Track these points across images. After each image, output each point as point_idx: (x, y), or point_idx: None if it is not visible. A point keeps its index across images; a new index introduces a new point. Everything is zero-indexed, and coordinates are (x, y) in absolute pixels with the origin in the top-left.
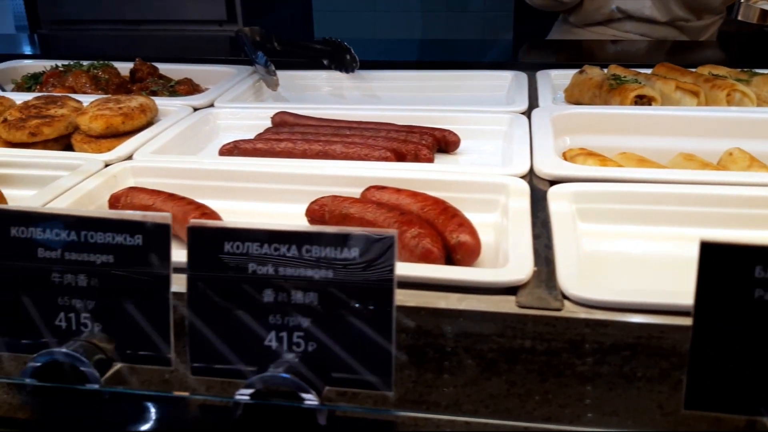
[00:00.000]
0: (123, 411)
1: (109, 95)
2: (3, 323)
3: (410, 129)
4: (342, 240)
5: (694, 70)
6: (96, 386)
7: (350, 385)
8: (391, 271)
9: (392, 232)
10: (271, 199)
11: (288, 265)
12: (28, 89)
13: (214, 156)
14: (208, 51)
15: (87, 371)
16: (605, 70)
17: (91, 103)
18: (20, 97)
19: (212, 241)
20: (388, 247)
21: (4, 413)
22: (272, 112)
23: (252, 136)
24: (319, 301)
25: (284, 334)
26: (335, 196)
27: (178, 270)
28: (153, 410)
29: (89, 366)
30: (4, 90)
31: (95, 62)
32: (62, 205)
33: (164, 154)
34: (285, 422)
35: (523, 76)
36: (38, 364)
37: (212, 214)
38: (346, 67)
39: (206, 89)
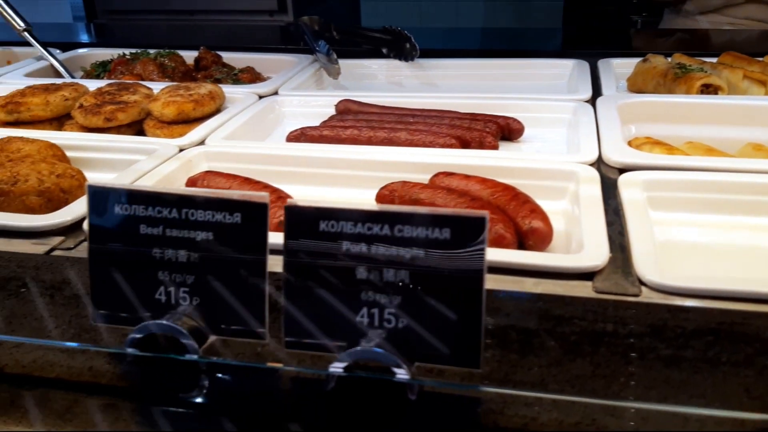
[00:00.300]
0: (218, 381)
1: (178, 83)
2: (106, 297)
3: (473, 116)
4: (434, 220)
5: (761, 59)
6: (195, 357)
7: (439, 362)
8: (483, 250)
9: (483, 213)
10: (339, 185)
11: (381, 243)
12: (97, 76)
13: (282, 142)
14: (259, 41)
15: (186, 343)
16: (669, 59)
17: (162, 90)
18: (91, 84)
19: (308, 221)
20: (479, 227)
21: (107, 381)
22: (335, 100)
23: (316, 124)
24: (410, 280)
25: (375, 311)
26: (405, 182)
27: (272, 251)
28: (247, 381)
29: (188, 338)
30: (73, 77)
31: (161, 50)
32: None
33: (234, 140)
34: (375, 396)
35: (584, 65)
36: (139, 335)
37: (287, 198)
38: (405, 55)
39: (268, 78)
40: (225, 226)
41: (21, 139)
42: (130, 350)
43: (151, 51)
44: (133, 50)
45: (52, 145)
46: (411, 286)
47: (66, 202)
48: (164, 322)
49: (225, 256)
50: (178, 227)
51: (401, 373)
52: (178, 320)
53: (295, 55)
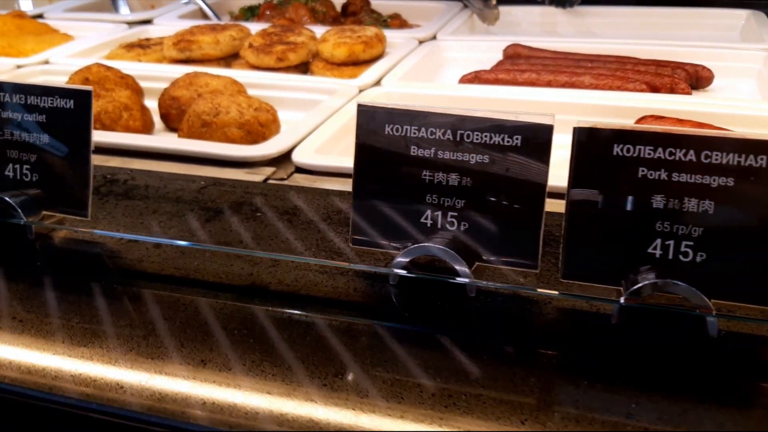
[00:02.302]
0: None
1: (342, 26)
2: (366, 221)
3: (658, 63)
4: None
5: None
6: (466, 280)
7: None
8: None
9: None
10: None
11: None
12: (245, 20)
13: (447, 84)
14: None
15: (459, 269)
16: None
17: (328, 31)
18: (251, 27)
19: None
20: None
21: (374, 302)
22: (498, 46)
23: (480, 68)
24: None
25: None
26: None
27: None
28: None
29: (461, 263)
30: (220, 20)
31: None
32: (336, 126)
33: (407, 82)
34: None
35: (761, 16)
36: (406, 259)
37: None
38: (564, 2)
39: (415, 25)
40: (502, 148)
41: (206, 74)
42: (398, 272)
43: None
44: None
45: (235, 82)
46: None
47: (263, 136)
48: (435, 245)
49: (501, 179)
50: (450, 150)
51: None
52: (449, 244)
53: (442, 2)
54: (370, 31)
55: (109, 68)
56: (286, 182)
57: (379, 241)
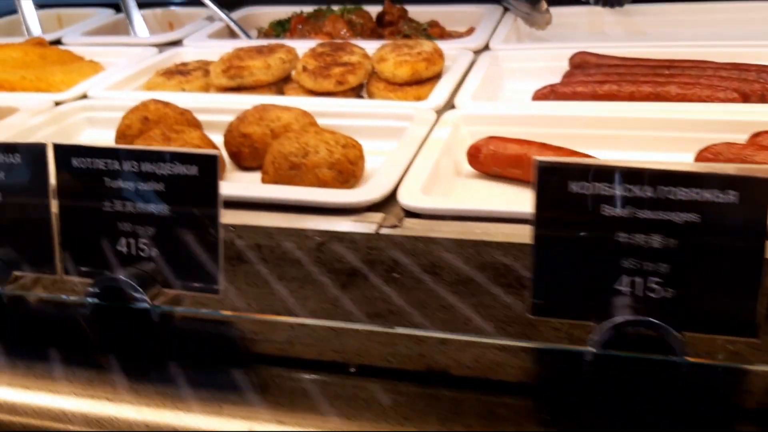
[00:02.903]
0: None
1: (394, 41)
2: (560, 286)
3: (737, 66)
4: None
5: None
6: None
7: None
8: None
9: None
10: (632, 147)
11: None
12: (276, 36)
13: (528, 101)
14: None
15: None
16: None
17: (382, 49)
18: (295, 45)
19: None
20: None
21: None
22: (558, 53)
23: (543, 79)
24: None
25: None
26: (730, 143)
27: None
28: None
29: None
30: (250, 37)
31: (346, 6)
32: (431, 159)
33: (481, 101)
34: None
35: None
36: (603, 335)
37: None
38: (614, 1)
39: (455, 32)
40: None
41: (275, 106)
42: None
43: (335, 7)
44: (308, 7)
45: (305, 113)
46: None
47: (353, 175)
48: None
49: (711, 236)
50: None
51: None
52: (652, 314)
53: (479, 6)
54: (428, 46)
55: (167, 104)
56: (402, 231)
57: (569, 312)
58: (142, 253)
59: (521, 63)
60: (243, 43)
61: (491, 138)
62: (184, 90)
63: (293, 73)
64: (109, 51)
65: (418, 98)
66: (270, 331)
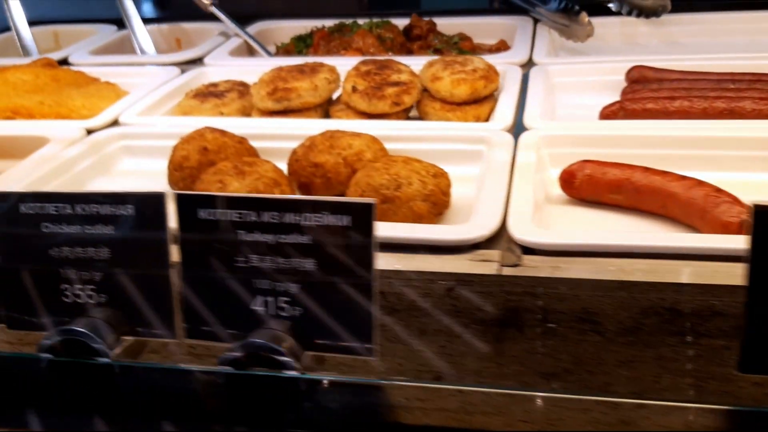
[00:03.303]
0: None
1: (438, 57)
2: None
3: None
4: None
5: None
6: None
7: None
8: None
9: None
10: (709, 168)
11: None
12: (299, 52)
13: (596, 120)
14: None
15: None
16: None
17: (431, 66)
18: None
19: None
20: None
21: None
22: (613, 67)
23: (600, 94)
24: None
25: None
26: None
27: None
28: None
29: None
30: (270, 53)
31: (373, 20)
32: (528, 188)
33: (550, 120)
34: None
35: None
36: None
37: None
38: (647, 11)
39: (486, 45)
40: None
41: (343, 132)
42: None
43: (360, 21)
44: (325, 21)
45: (375, 139)
46: None
47: (446, 205)
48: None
49: None
50: None
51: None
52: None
53: (507, 17)
54: (479, 62)
55: (223, 132)
56: (525, 270)
57: None
58: (282, 313)
59: (572, 77)
60: (272, 61)
61: (586, 162)
62: (222, 114)
63: (336, 93)
64: (124, 71)
65: (478, 118)
66: (436, 398)
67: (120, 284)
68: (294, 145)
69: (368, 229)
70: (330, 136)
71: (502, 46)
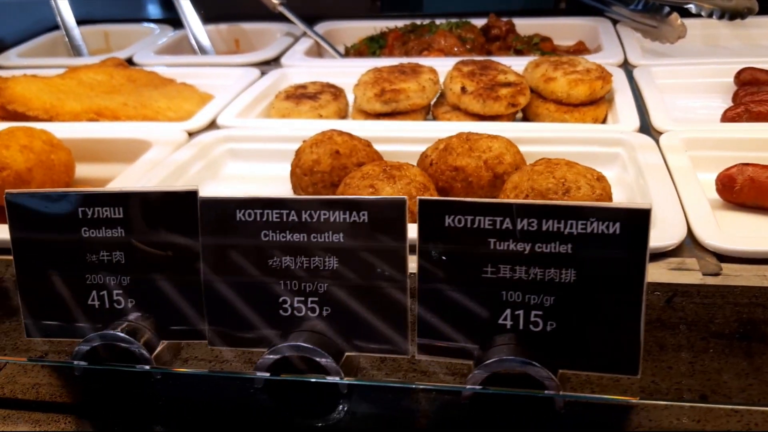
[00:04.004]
0: None
1: (546, 58)
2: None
3: None
4: None
5: None
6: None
7: None
8: None
9: None
10: None
11: None
12: (373, 53)
13: (717, 123)
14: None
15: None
16: None
17: (538, 66)
18: (376, 63)
19: None
20: None
21: None
22: (716, 69)
23: (707, 96)
24: None
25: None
26: None
27: None
28: None
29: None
30: (340, 54)
31: (452, 20)
32: (692, 191)
33: (678, 123)
34: None
35: None
36: None
37: None
38: (732, 13)
39: (564, 47)
40: None
41: (479, 135)
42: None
43: (438, 21)
44: (404, 22)
45: (510, 141)
46: None
47: None
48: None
49: None
50: None
51: None
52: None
53: (584, 18)
54: (588, 63)
55: (351, 135)
56: (729, 278)
57: None
58: (533, 327)
59: (677, 79)
60: (350, 62)
61: (743, 165)
62: (320, 116)
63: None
64: (195, 72)
65: (596, 120)
66: (708, 418)
67: (343, 296)
68: (404, 148)
69: (642, 238)
70: (466, 138)
71: (581, 48)
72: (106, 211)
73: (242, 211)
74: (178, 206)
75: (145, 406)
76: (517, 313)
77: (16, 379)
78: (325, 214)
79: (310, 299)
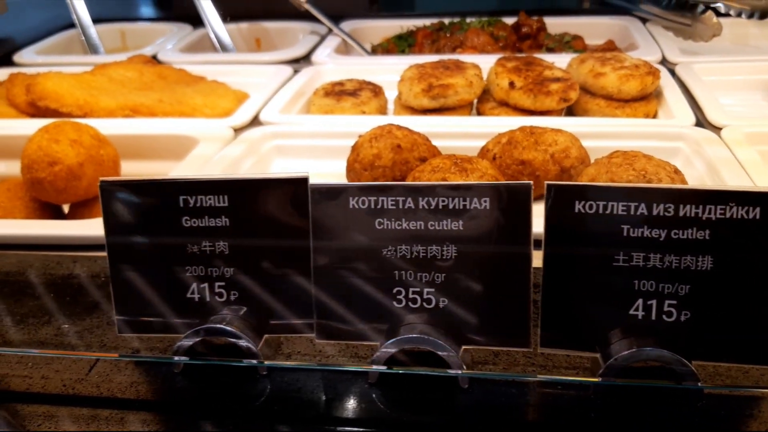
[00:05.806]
0: None
1: (590, 54)
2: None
3: None
4: None
5: None
6: None
7: None
8: None
9: None
10: None
11: None
12: (401, 51)
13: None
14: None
15: None
16: None
17: (584, 62)
18: (410, 60)
19: None
20: None
21: None
22: (755, 66)
23: (748, 92)
24: None
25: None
26: None
27: None
28: None
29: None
30: (368, 52)
31: (483, 18)
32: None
33: (739, 120)
34: None
35: None
36: None
37: None
38: (762, 12)
39: (594, 45)
40: None
41: (543, 129)
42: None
43: (468, 20)
44: (430, 21)
45: (574, 135)
46: None
47: None
48: None
49: None
50: None
51: None
52: None
53: (613, 17)
54: (635, 59)
55: (410, 130)
56: None
57: None
58: (666, 317)
59: (719, 76)
60: (384, 59)
61: None
62: (363, 113)
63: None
64: (226, 70)
65: (647, 115)
66: None
67: (461, 287)
68: (452, 144)
69: None
70: (530, 132)
71: (611, 46)
72: (210, 199)
73: (356, 198)
74: (287, 194)
75: (252, 403)
76: (649, 302)
77: (111, 377)
78: (443, 201)
79: (426, 290)
